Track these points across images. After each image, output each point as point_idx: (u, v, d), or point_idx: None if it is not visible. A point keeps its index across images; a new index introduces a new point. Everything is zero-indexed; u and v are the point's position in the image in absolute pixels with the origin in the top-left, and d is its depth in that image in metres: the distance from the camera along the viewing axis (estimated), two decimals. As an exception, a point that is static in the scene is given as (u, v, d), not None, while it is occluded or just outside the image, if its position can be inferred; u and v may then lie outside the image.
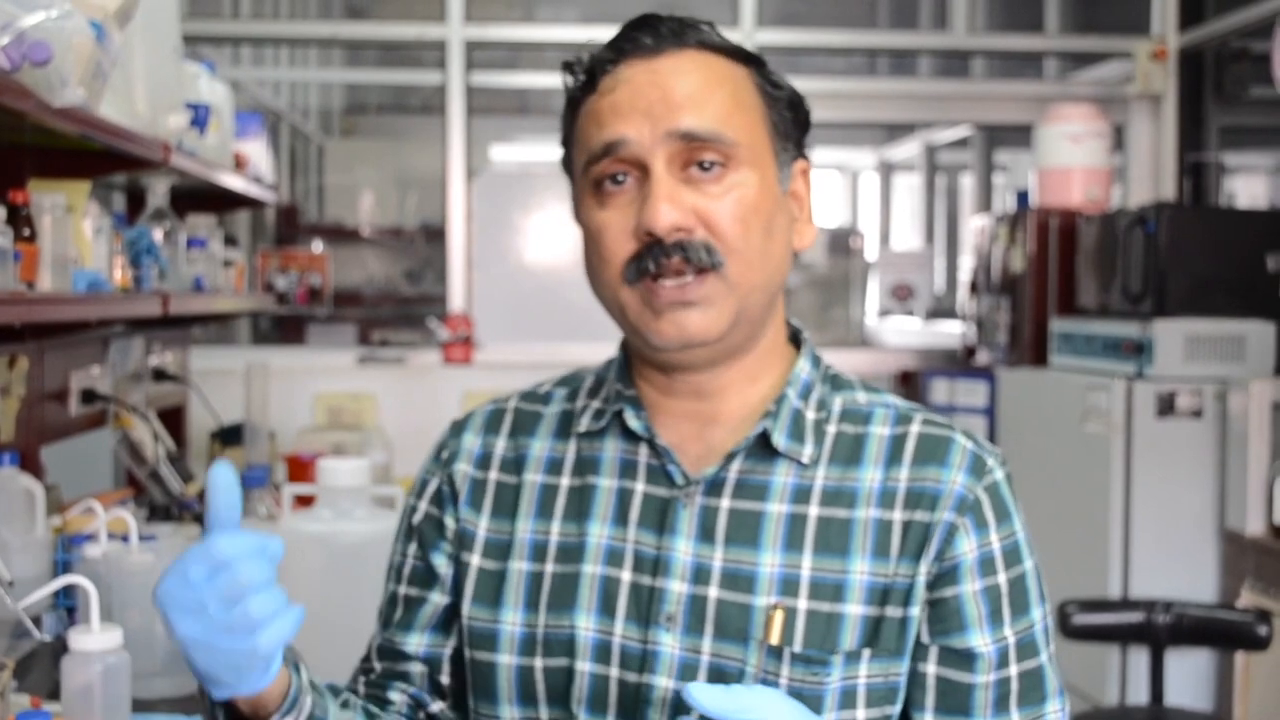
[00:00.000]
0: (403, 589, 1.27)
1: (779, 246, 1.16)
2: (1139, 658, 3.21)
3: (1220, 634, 2.99)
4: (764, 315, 1.17)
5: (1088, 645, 3.21)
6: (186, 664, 0.99)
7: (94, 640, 1.32)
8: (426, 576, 1.25)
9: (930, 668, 1.13)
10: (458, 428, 1.28)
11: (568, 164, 1.21)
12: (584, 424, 1.21)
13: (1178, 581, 3.32)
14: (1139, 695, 3.24)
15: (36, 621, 1.71)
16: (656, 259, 1.10)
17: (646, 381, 1.20)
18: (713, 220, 1.11)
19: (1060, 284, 3.96)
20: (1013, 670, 1.14)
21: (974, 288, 4.40)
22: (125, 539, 1.95)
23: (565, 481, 1.21)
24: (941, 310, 5.72)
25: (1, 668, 1.31)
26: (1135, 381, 3.36)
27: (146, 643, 1.86)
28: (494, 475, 1.24)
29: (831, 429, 1.18)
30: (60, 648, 1.43)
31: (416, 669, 1.27)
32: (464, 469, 1.24)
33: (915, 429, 1.17)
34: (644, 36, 1.15)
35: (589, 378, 1.27)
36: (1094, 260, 3.78)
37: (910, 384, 4.48)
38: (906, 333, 5.41)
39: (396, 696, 1.28)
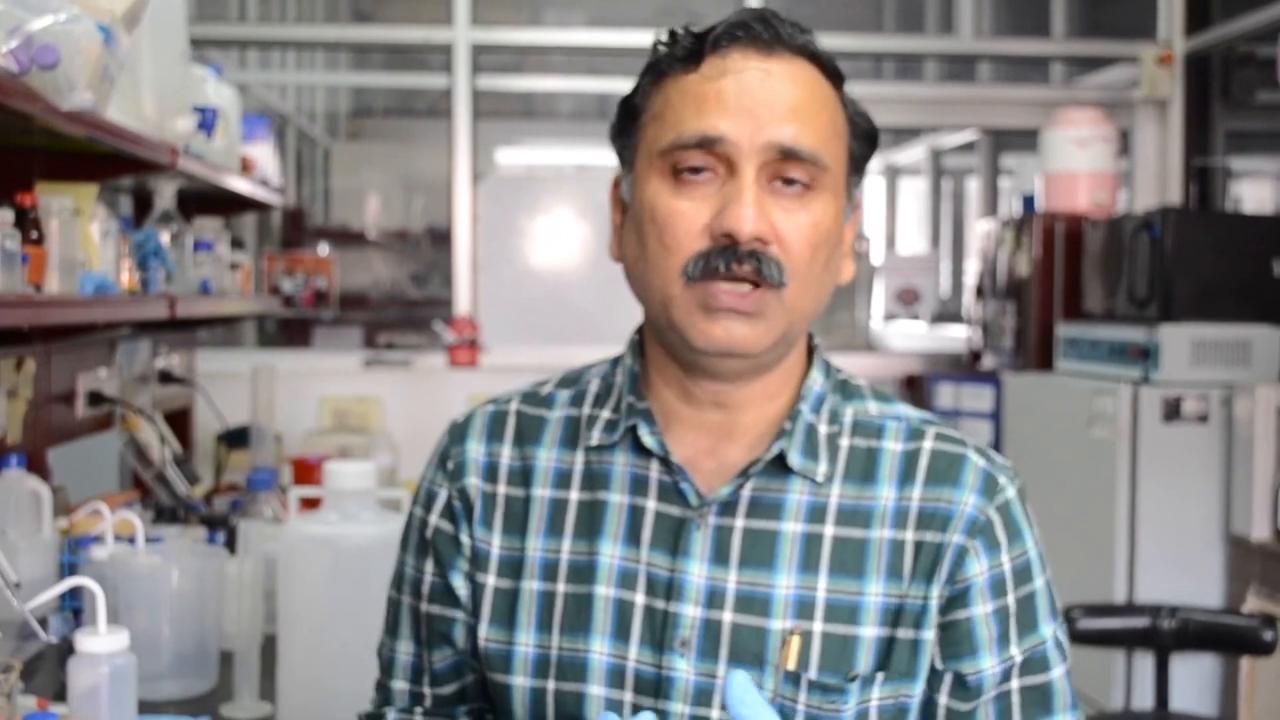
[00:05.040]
0: (424, 606, 1.23)
1: (831, 279, 1.14)
2: (1144, 663, 3.20)
3: (1225, 639, 2.98)
4: (799, 339, 1.16)
5: (1093, 650, 3.21)
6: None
7: (100, 642, 1.32)
8: (447, 596, 1.21)
9: (943, 698, 1.13)
10: (459, 433, 1.23)
11: (625, 130, 1.16)
12: (595, 437, 1.17)
13: (1183, 586, 3.31)
14: (1144, 700, 3.23)
15: (43, 623, 1.71)
16: (728, 261, 1.06)
17: (665, 385, 1.16)
18: (787, 239, 1.08)
19: (1066, 288, 3.95)
20: (1014, 685, 1.13)
21: (979, 292, 4.40)
22: (132, 541, 1.96)
23: (574, 496, 1.17)
24: (947, 314, 5.72)
25: (9, 669, 1.31)
26: (1141, 386, 3.36)
27: (153, 644, 1.87)
28: (502, 489, 1.20)
29: (844, 443, 1.16)
30: (67, 649, 1.43)
31: (471, 680, 1.24)
32: (474, 483, 1.20)
33: (928, 445, 1.15)
34: (761, 29, 1.10)
35: (594, 381, 1.23)
36: (1100, 265, 3.78)
37: (916, 388, 4.48)
38: (912, 337, 5.40)
39: None
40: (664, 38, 1.14)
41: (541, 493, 1.18)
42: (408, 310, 6.08)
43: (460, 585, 1.20)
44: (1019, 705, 1.13)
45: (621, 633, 1.13)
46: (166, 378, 3.25)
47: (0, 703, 1.26)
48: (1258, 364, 3.37)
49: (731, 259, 1.06)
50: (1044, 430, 3.75)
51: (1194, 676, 3.26)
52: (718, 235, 1.07)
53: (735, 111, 1.07)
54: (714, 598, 1.11)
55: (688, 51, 1.11)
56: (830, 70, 1.14)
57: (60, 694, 1.52)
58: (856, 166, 1.17)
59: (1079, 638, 3.02)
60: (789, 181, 1.09)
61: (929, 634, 1.12)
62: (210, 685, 1.95)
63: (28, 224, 1.77)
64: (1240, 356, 3.38)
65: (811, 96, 1.10)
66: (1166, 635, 2.97)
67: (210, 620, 1.96)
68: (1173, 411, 3.33)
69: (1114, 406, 3.37)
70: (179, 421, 3.40)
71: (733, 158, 1.08)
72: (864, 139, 1.17)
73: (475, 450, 1.21)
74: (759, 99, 1.08)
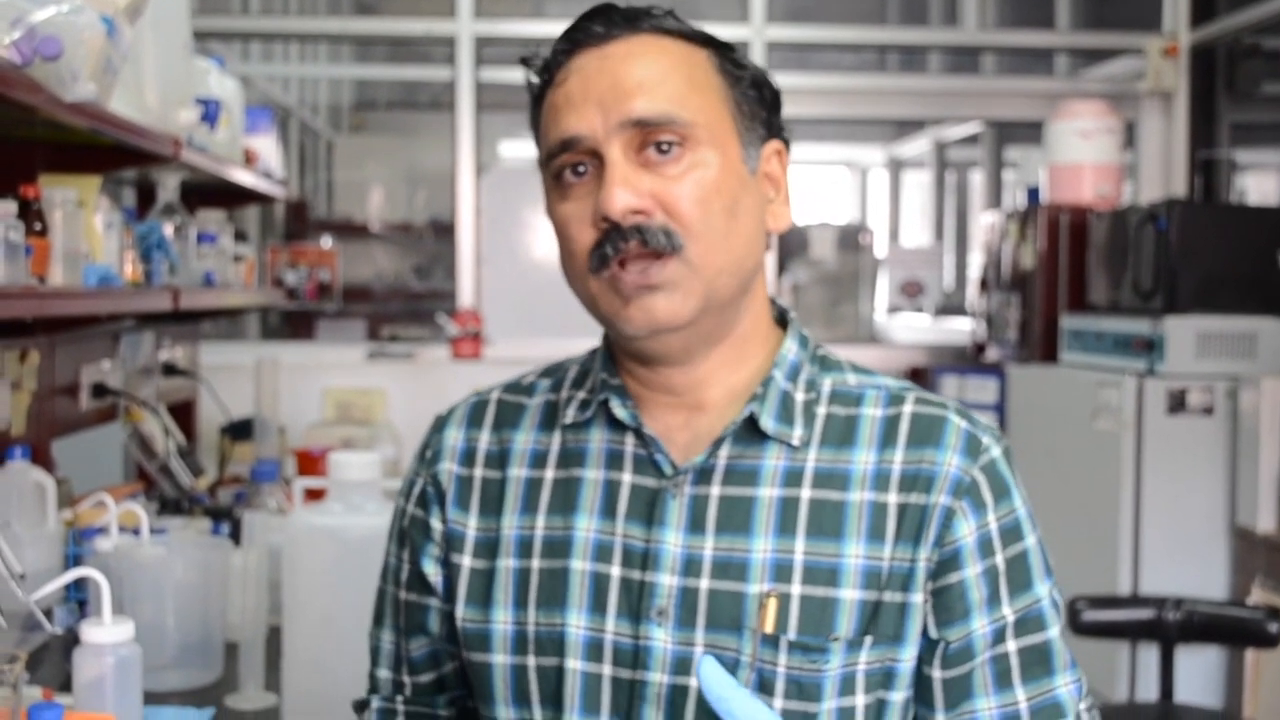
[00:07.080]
0: (403, 594, 1.26)
1: (746, 227, 1.13)
2: (1149, 654, 3.20)
3: (1230, 631, 2.98)
4: (736, 299, 1.15)
5: (1097, 642, 3.21)
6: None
7: (105, 633, 1.32)
8: (421, 583, 1.24)
9: (935, 671, 1.12)
10: (440, 423, 1.27)
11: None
12: (570, 415, 1.20)
13: (1188, 578, 3.31)
14: (1149, 692, 3.23)
15: (48, 614, 1.71)
16: (615, 244, 1.08)
17: (628, 375, 1.18)
18: (671, 202, 1.09)
19: (1071, 280, 3.95)
20: (1010, 646, 1.12)
21: (984, 284, 4.39)
22: (136, 532, 1.96)
23: (550, 474, 1.19)
24: (951, 307, 5.72)
25: (14, 660, 1.31)
26: (1146, 378, 3.36)
27: (158, 636, 1.87)
28: (479, 472, 1.22)
29: (821, 410, 1.16)
30: (72, 640, 1.43)
31: (450, 669, 1.26)
32: (448, 468, 1.23)
33: (908, 409, 1.15)
34: (595, 25, 1.13)
35: (573, 368, 1.26)
36: (1105, 257, 3.77)
37: (920, 380, 4.48)
38: (916, 329, 5.41)
39: (446, 712, 1.28)
40: (525, 67, 1.17)
41: (517, 473, 1.20)
42: (411, 303, 6.08)
43: (432, 571, 1.23)
44: (1019, 666, 1.12)
45: (598, 605, 1.13)
46: (170, 370, 3.25)
47: (6, 694, 1.26)
48: (1263, 356, 3.37)
49: (618, 240, 1.09)
50: (1049, 422, 3.75)
51: (1199, 668, 3.26)
52: (599, 223, 1.10)
53: (582, 106, 1.11)
54: (690, 566, 1.11)
55: (543, 69, 1.16)
56: (686, 35, 1.15)
57: (65, 685, 1.52)
58: (753, 114, 1.16)
59: (1084, 630, 3.02)
60: (663, 149, 1.10)
61: (917, 597, 1.10)
62: (215, 676, 1.96)
63: (31, 216, 1.77)
64: (1245, 348, 3.37)
65: (657, 64, 1.12)
66: (1171, 627, 2.97)
67: (215, 611, 1.96)
68: (1178, 403, 3.33)
69: (1119, 398, 3.37)
70: (182, 414, 3.40)
71: (596, 149, 1.10)
72: (752, 85, 1.16)
73: (453, 437, 1.24)
74: (602, 85, 1.11)
